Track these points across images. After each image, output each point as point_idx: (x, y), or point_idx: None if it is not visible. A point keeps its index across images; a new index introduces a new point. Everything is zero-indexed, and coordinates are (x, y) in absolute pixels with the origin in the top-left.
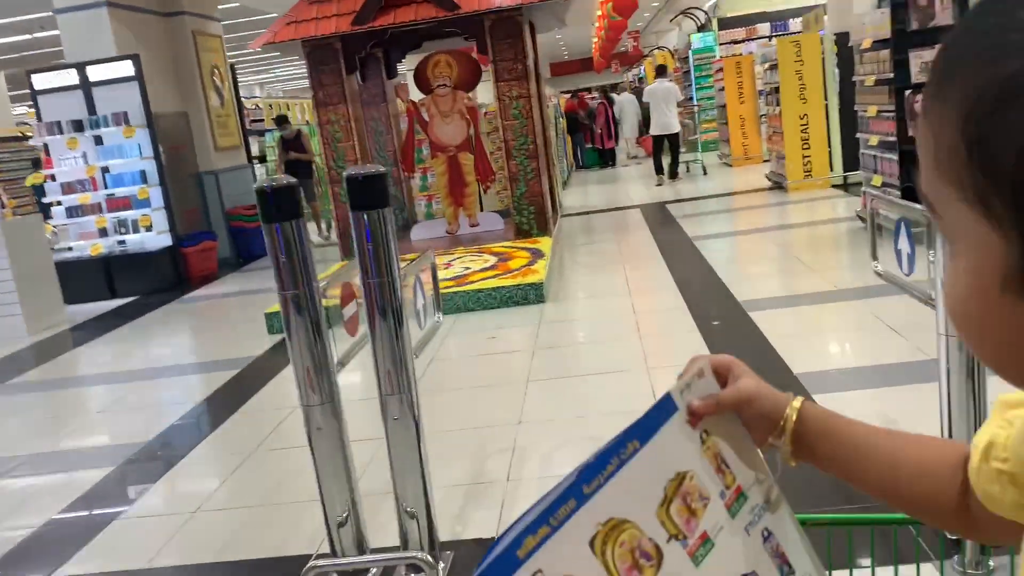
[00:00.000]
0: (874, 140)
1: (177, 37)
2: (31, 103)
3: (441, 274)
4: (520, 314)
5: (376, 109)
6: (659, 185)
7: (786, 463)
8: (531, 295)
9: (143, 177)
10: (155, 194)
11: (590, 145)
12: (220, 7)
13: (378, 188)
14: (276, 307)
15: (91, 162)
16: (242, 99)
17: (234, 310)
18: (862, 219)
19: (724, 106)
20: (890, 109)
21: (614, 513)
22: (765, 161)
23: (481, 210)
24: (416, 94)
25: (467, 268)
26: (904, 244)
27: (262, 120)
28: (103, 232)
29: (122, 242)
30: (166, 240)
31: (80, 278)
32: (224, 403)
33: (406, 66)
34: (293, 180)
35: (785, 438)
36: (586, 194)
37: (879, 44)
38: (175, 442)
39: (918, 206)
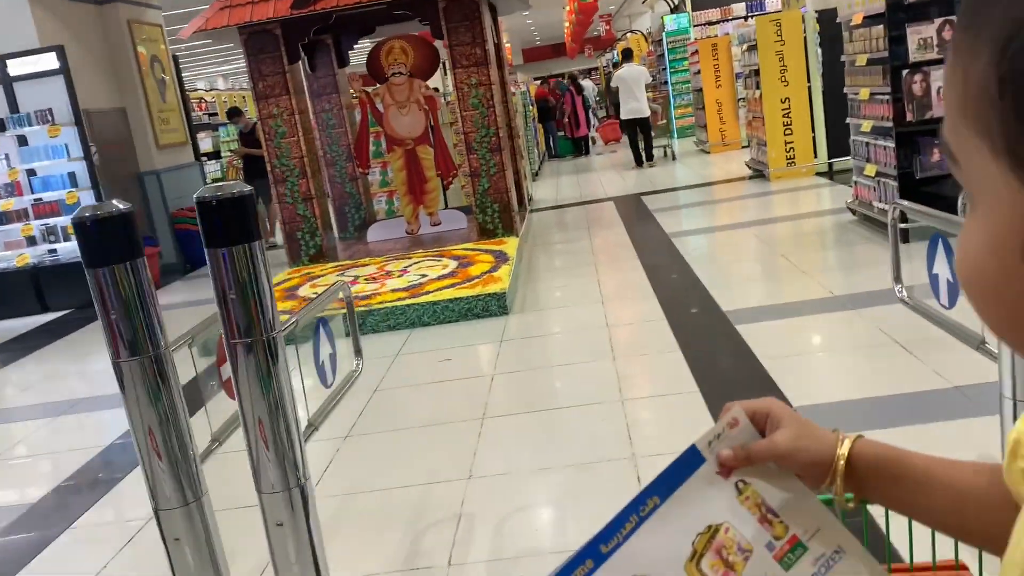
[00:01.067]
0: (867, 125)
1: (111, 27)
2: None
3: (394, 283)
4: (481, 329)
5: (327, 100)
6: (641, 168)
7: (843, 508)
8: (493, 306)
9: (72, 180)
10: (86, 198)
11: (562, 133)
12: None
13: (241, 216)
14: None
15: (14, 164)
16: (187, 92)
17: (169, 326)
18: (852, 211)
19: (700, 90)
20: (885, 91)
21: (636, 571)
22: (744, 147)
23: (446, 206)
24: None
25: (423, 276)
26: (942, 268)
27: (217, 114)
28: (32, 241)
29: (53, 251)
30: None
31: (7, 292)
32: (130, 451)
33: (363, 52)
34: (126, 207)
35: (836, 486)
36: (558, 186)
37: (871, 20)
38: (60, 507)
39: (959, 219)
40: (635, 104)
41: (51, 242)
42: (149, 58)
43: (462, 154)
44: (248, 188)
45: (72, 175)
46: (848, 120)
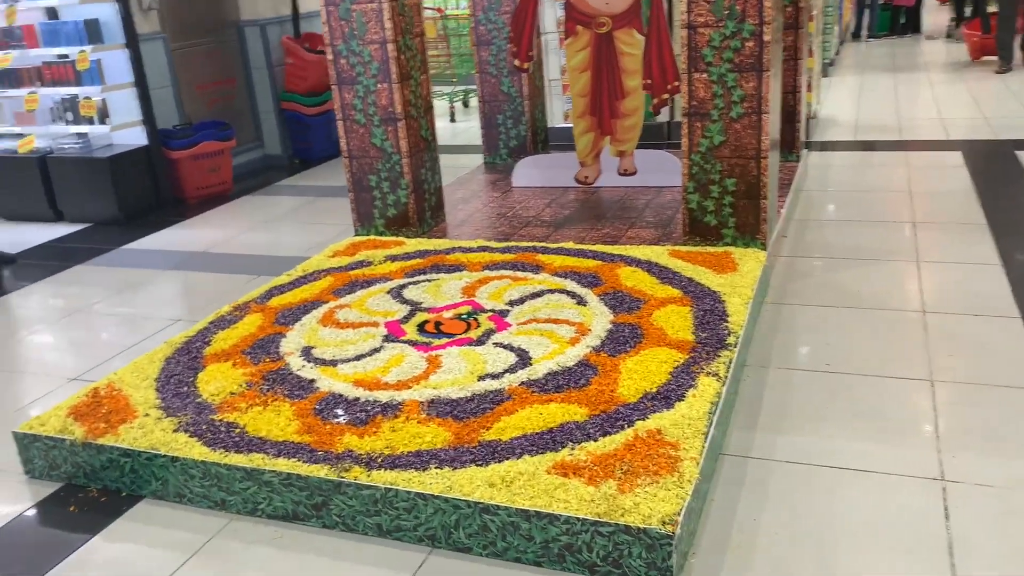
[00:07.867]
0: None
1: None
2: None
3: (452, 367)
4: None
5: None
6: (1001, 72)
7: None
8: (635, 563)
9: (91, 32)
10: (112, 61)
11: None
12: None
13: None
14: (31, 424)
15: (15, 1)
16: None
17: (169, 299)
18: None
19: None
20: None
21: None
22: None
23: (668, 125)
24: None
25: (521, 357)
26: None
27: None
28: (54, 117)
29: (82, 135)
30: (139, 137)
31: (10, 185)
32: None
33: None
34: None
35: None
36: (861, 91)
37: None
38: None
39: None
40: None
41: (68, 121)
42: None
43: (681, 69)
44: None
45: (92, 24)
46: None
